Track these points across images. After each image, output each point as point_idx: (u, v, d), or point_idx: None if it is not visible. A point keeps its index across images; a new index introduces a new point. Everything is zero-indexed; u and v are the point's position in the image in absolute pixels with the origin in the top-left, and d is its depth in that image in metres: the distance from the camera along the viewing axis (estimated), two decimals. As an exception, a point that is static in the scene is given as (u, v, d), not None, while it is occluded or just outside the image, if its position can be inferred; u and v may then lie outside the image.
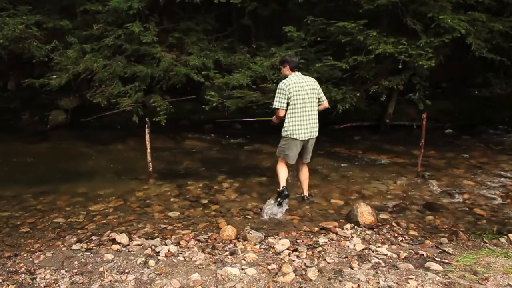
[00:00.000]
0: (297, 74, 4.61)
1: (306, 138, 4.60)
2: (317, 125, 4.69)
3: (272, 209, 4.63)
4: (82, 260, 3.47)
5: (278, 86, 4.53)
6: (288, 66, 4.58)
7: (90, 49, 7.74)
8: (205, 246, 3.76)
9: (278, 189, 4.86)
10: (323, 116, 7.56)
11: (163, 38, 8.11)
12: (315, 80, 4.81)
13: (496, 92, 8.54)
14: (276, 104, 4.51)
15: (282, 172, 4.76)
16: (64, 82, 7.78)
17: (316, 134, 4.70)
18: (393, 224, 4.39)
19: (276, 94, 4.51)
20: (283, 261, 3.44)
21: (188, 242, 3.84)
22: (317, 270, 3.22)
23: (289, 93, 4.46)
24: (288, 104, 4.49)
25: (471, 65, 9.12)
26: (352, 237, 3.98)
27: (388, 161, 6.78)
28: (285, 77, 4.60)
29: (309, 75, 7.23)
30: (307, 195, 5.00)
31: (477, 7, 7.07)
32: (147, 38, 7.55)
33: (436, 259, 3.45)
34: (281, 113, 4.55)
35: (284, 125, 4.59)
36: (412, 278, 3.08)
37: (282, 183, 4.76)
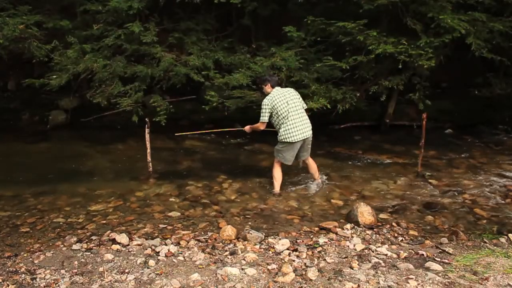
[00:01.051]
0: (278, 88, 5.05)
1: (301, 139, 4.98)
2: (310, 126, 5.10)
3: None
4: (82, 260, 3.48)
5: (263, 102, 4.97)
6: (269, 84, 5.03)
7: (90, 49, 7.73)
8: (205, 246, 3.76)
9: (272, 190, 5.31)
10: (323, 116, 7.64)
11: (163, 38, 8.10)
12: (294, 90, 5.27)
13: (496, 92, 8.52)
14: (260, 118, 5.00)
15: (278, 175, 5.24)
16: (64, 82, 7.77)
17: (310, 134, 5.09)
18: (393, 224, 4.39)
19: (261, 109, 4.99)
20: (283, 261, 3.44)
21: (188, 242, 3.84)
22: (317, 270, 3.23)
23: (274, 106, 4.90)
24: (276, 115, 4.93)
25: (471, 65, 9.12)
26: (352, 237, 3.98)
27: (388, 161, 6.78)
28: (267, 94, 5.04)
29: (308, 76, 7.32)
30: (318, 178, 5.49)
31: (477, 7, 7.06)
32: (147, 38, 7.54)
33: (436, 259, 3.45)
34: (262, 126, 5.07)
35: (280, 131, 5.01)
36: (412, 278, 3.08)
37: (277, 188, 5.25)
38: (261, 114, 4.99)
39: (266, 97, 5.00)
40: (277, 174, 5.25)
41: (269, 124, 5.13)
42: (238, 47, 8.37)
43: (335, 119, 8.07)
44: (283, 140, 4.97)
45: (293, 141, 4.94)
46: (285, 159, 5.10)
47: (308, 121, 5.10)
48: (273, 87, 5.03)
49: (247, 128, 5.44)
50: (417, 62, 6.86)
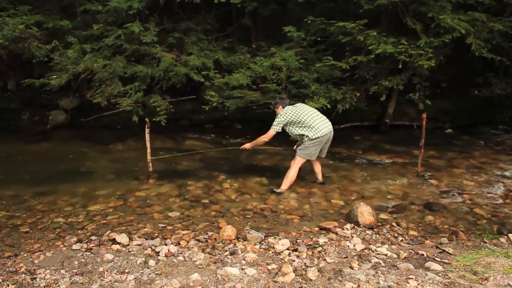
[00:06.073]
0: (289, 106, 5.39)
1: (328, 131, 5.23)
2: (330, 122, 5.36)
3: None
4: (82, 260, 3.47)
5: (279, 115, 5.30)
6: (281, 106, 5.38)
7: (90, 49, 7.72)
8: (205, 246, 3.76)
9: (276, 190, 5.33)
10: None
11: (163, 38, 8.10)
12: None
13: (496, 92, 8.54)
14: (273, 127, 5.28)
15: (294, 176, 5.33)
16: (64, 82, 7.77)
17: (332, 128, 5.31)
18: (393, 224, 4.39)
19: (276, 119, 5.29)
20: (283, 261, 3.44)
21: (188, 242, 3.84)
22: (317, 270, 3.23)
23: (293, 117, 5.19)
24: (297, 124, 5.20)
25: (471, 65, 9.12)
26: (352, 237, 3.98)
27: (388, 161, 6.79)
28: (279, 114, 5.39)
29: (308, 76, 7.32)
30: (322, 180, 5.68)
31: (477, 7, 7.06)
32: (147, 38, 7.54)
33: (436, 259, 3.45)
34: (268, 136, 5.32)
35: (307, 133, 5.18)
36: (412, 278, 3.08)
37: (285, 188, 5.33)
38: (275, 124, 5.28)
39: (282, 112, 5.31)
40: (294, 174, 5.34)
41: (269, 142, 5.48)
42: (238, 47, 8.37)
43: (335, 119, 8.06)
44: (314, 137, 5.16)
45: (323, 134, 5.16)
46: (310, 154, 5.29)
47: (326, 118, 5.41)
48: (284, 107, 5.36)
49: (247, 145, 5.62)
50: (417, 62, 6.87)
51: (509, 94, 8.51)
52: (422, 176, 5.96)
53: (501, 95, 8.59)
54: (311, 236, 4.01)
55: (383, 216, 4.62)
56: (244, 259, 3.45)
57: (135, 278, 3.14)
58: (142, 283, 3.07)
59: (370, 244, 3.82)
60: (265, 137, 5.36)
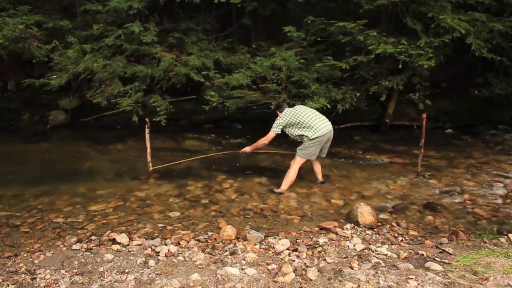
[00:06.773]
0: (288, 108, 5.46)
1: (328, 131, 5.24)
2: (330, 122, 5.37)
3: None
4: (82, 260, 3.47)
5: (279, 116, 5.36)
6: (277, 111, 5.48)
7: (90, 49, 7.72)
8: (205, 246, 3.76)
9: (276, 190, 5.33)
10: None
11: (163, 38, 8.11)
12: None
13: (496, 92, 8.54)
14: (272, 129, 5.31)
15: (294, 176, 5.33)
16: (64, 82, 7.77)
17: (332, 128, 5.32)
18: (393, 224, 4.39)
19: (276, 122, 5.32)
20: (283, 261, 3.44)
21: (188, 242, 3.84)
22: (317, 270, 3.23)
23: (292, 118, 5.23)
24: (297, 125, 5.23)
25: (471, 65, 9.12)
26: (352, 237, 3.98)
27: (388, 161, 6.79)
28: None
29: (308, 76, 7.32)
30: (322, 180, 5.68)
31: (477, 7, 7.06)
32: (147, 38, 7.55)
33: (436, 259, 3.45)
34: (268, 138, 5.36)
35: (306, 133, 5.20)
36: (412, 278, 3.08)
37: (285, 188, 5.33)
38: (274, 126, 5.31)
39: (281, 114, 5.37)
40: (294, 174, 5.34)
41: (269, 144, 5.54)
42: (238, 47, 8.37)
43: (335, 119, 8.05)
44: (313, 137, 5.16)
45: (323, 133, 5.16)
46: (310, 154, 5.29)
47: (326, 118, 5.42)
48: (283, 111, 5.42)
49: (247, 149, 5.62)
50: (417, 62, 6.87)
51: (509, 94, 8.52)
52: (422, 176, 5.96)
53: (501, 95, 8.59)
54: (311, 236, 4.02)
55: (383, 216, 4.62)
56: (244, 259, 3.45)
57: (135, 278, 3.14)
58: (142, 283, 3.07)
59: (370, 244, 3.82)
60: (264, 140, 5.39)
